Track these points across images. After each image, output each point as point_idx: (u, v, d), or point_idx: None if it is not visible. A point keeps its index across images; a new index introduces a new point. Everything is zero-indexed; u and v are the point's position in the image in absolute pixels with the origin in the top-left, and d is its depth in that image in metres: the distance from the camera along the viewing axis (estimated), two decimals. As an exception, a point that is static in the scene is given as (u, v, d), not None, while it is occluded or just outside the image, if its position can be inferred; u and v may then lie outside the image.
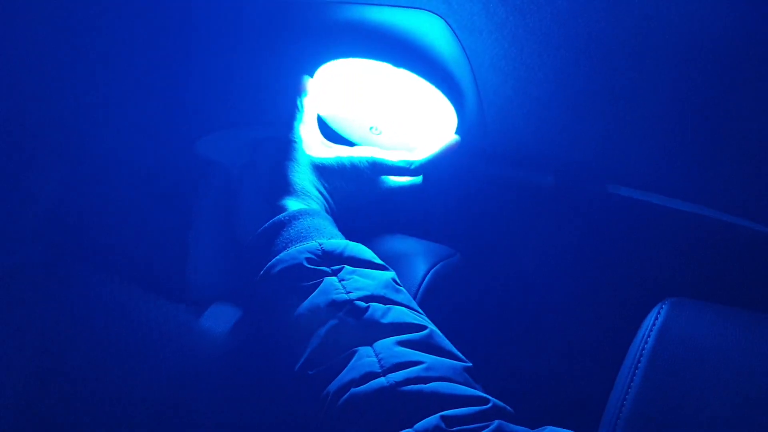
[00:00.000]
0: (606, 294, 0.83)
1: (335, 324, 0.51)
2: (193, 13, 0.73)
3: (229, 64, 0.79)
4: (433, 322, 0.54)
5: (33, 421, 0.59)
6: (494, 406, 0.46)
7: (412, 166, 0.68)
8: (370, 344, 0.49)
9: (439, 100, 0.69)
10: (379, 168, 0.67)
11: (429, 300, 0.68)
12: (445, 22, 0.62)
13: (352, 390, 0.47)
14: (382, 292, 0.53)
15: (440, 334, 0.52)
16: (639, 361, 0.55)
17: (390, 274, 0.56)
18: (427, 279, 0.74)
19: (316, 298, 0.52)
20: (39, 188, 0.68)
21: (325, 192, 0.65)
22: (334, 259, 0.55)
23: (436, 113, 0.71)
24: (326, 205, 0.64)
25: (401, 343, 0.49)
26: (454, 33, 0.63)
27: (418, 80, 0.67)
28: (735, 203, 0.68)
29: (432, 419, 0.44)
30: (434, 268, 0.75)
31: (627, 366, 0.56)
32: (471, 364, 0.50)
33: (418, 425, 0.44)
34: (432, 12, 0.62)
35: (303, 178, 0.63)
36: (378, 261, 0.57)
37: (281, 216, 0.58)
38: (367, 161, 0.67)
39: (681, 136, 0.63)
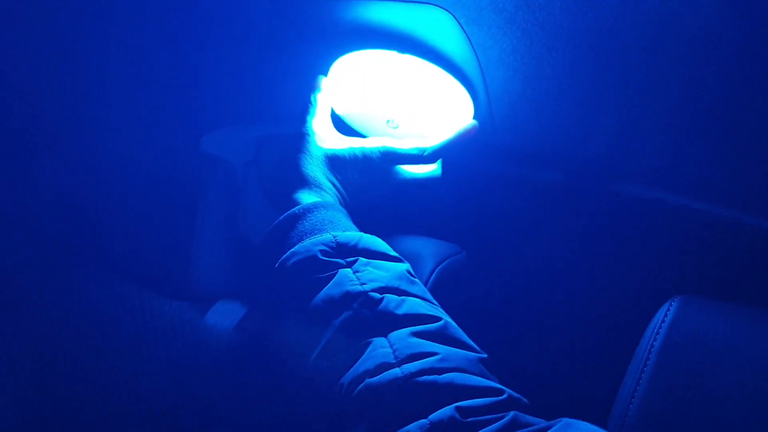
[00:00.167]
0: (613, 292, 0.83)
1: (350, 315, 0.51)
2: (199, 11, 0.73)
3: (235, 62, 0.79)
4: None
5: (34, 420, 0.59)
6: (509, 397, 0.46)
7: (426, 153, 0.67)
8: (385, 335, 0.49)
9: (454, 90, 0.69)
10: (391, 156, 0.67)
11: (435, 297, 0.68)
12: (453, 17, 0.62)
13: (367, 381, 0.47)
14: (396, 283, 0.53)
15: (455, 325, 0.52)
16: (648, 358, 0.55)
17: (404, 266, 0.56)
18: (433, 276, 0.74)
19: (330, 289, 0.52)
20: (41, 186, 0.68)
21: (338, 184, 0.65)
22: (348, 251, 0.55)
23: (452, 103, 0.70)
24: (340, 197, 0.64)
25: (416, 334, 0.49)
26: (462, 28, 0.63)
27: (429, 70, 0.67)
28: (744, 200, 0.68)
29: (447, 410, 0.44)
30: (440, 266, 0.75)
31: (636, 362, 0.56)
32: (486, 356, 0.50)
33: (433, 416, 0.44)
34: (440, 6, 0.62)
35: (316, 170, 0.63)
36: (392, 253, 0.57)
37: (295, 209, 0.58)
38: (379, 150, 0.66)
39: (692, 133, 0.63)
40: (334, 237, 0.55)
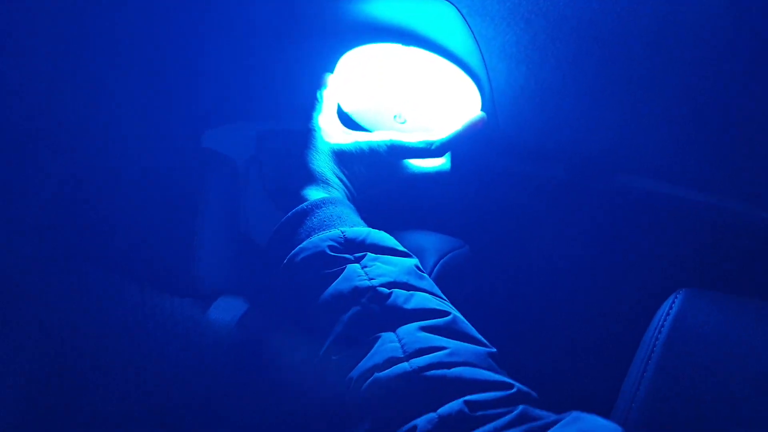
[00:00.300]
0: (617, 286, 0.83)
1: (358, 310, 0.51)
2: (204, 7, 0.73)
3: (239, 60, 0.79)
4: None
5: (35, 418, 0.59)
6: (519, 391, 0.46)
7: (433, 146, 0.67)
8: (393, 330, 0.49)
9: (461, 82, 0.68)
10: (399, 150, 0.67)
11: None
12: (456, 8, 0.62)
13: (376, 375, 0.47)
14: (404, 278, 0.53)
15: (464, 319, 0.52)
16: (653, 351, 0.55)
17: (413, 261, 0.56)
18: (435, 270, 0.74)
19: (339, 284, 0.52)
20: (42, 183, 0.68)
21: (345, 179, 0.65)
22: (356, 247, 0.55)
23: (459, 96, 0.70)
24: (347, 193, 0.64)
25: (424, 329, 0.49)
26: (465, 19, 0.62)
27: (435, 63, 0.67)
28: (749, 193, 0.68)
29: (455, 404, 0.44)
30: (443, 260, 0.75)
31: (641, 355, 0.56)
32: (495, 350, 0.50)
33: (442, 410, 0.44)
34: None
35: (323, 165, 0.63)
36: (400, 248, 0.57)
37: (304, 205, 0.58)
38: (386, 144, 0.66)
39: (697, 126, 0.63)
40: (343, 232, 0.55)
